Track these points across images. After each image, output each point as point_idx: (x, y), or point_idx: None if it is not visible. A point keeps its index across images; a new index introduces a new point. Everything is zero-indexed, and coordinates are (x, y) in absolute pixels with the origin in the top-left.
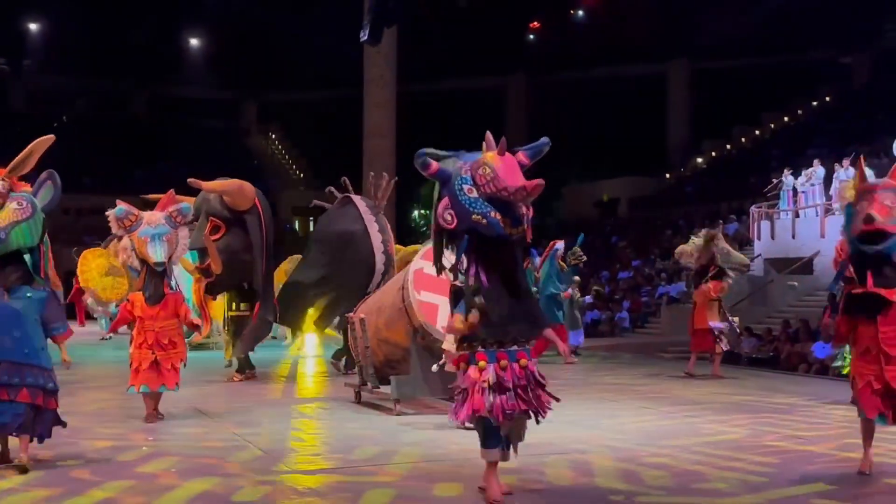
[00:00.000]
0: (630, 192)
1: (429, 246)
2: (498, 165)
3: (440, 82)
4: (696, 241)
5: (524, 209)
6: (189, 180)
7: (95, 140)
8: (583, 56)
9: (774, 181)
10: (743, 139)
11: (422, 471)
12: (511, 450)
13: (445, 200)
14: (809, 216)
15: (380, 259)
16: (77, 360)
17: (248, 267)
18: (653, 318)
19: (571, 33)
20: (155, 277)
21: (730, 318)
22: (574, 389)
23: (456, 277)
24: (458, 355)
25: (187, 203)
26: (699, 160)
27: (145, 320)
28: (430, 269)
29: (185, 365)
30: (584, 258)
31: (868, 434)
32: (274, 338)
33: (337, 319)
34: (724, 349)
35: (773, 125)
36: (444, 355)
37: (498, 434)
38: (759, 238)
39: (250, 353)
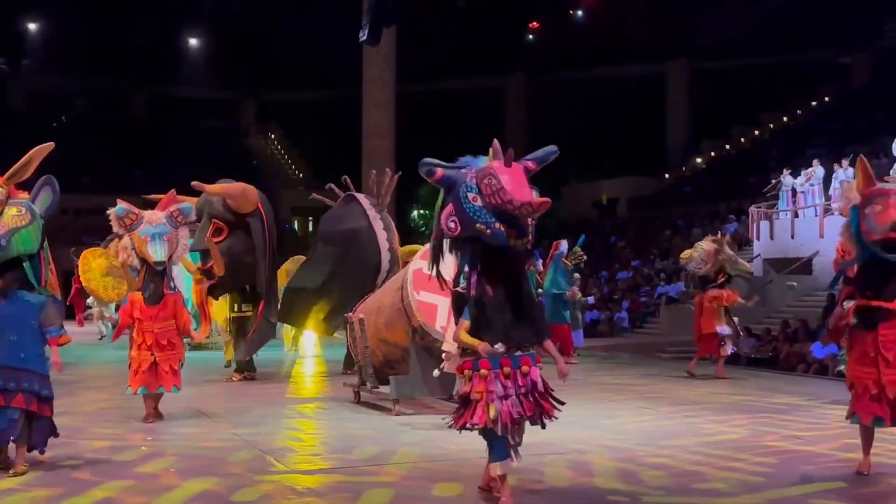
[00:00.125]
0: (629, 192)
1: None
2: (505, 177)
3: (440, 82)
4: (703, 246)
5: (529, 220)
6: (193, 183)
7: (95, 140)
8: (582, 56)
9: (774, 181)
10: (742, 139)
11: (421, 471)
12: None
13: (450, 207)
14: (808, 216)
15: (385, 257)
16: (76, 360)
17: (251, 269)
18: (652, 319)
19: (571, 33)
20: (154, 277)
21: (734, 320)
22: (573, 389)
23: (457, 283)
24: (461, 361)
25: (188, 203)
26: (698, 160)
27: (144, 321)
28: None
29: (181, 365)
30: (585, 258)
31: (867, 439)
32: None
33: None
34: (730, 352)
35: (772, 125)
36: (443, 356)
37: (506, 445)
38: (758, 238)
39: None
